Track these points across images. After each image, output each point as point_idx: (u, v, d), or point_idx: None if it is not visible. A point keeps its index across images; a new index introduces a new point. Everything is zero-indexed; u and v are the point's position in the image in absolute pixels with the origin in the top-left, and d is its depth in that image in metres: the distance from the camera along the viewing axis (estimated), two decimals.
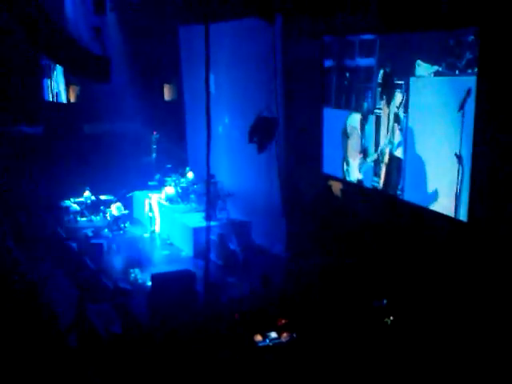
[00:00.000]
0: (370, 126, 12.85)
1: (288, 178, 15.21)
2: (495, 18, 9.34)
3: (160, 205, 18.47)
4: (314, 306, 10.99)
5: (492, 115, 9.61)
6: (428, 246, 11.16)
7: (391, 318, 10.54)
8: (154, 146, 20.75)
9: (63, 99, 20.37)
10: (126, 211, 18.95)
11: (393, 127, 12.17)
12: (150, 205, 18.76)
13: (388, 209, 12.51)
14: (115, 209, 18.43)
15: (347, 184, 13.96)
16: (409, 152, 11.78)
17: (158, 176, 19.45)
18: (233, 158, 18.23)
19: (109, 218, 18.48)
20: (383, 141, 12.52)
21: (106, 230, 18.06)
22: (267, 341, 10.16)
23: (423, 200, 11.45)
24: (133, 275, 14.56)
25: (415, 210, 11.61)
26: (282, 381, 8.91)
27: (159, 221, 18.47)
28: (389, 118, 12.25)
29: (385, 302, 11.04)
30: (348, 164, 13.84)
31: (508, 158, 9.39)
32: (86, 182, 19.61)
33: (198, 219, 16.84)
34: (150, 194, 19.06)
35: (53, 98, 20.86)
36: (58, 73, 20.13)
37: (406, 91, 11.61)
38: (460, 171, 10.35)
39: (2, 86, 19.22)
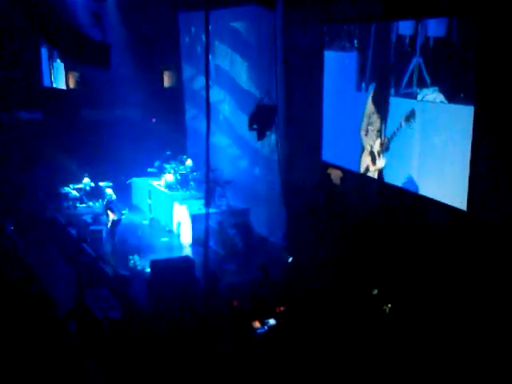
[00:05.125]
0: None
1: (287, 165, 15.19)
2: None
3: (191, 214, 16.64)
4: (312, 294, 11.02)
5: (492, 103, 9.58)
6: (427, 234, 11.17)
7: (389, 305, 10.58)
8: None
9: (62, 85, 20.30)
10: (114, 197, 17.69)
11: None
12: (150, 192, 18.71)
13: (387, 197, 12.50)
14: (112, 213, 16.53)
15: (346, 172, 13.93)
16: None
17: (157, 163, 19.43)
18: (232, 145, 18.20)
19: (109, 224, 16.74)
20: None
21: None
22: (266, 327, 10.18)
23: (425, 188, 11.42)
24: (132, 262, 14.58)
25: (414, 199, 11.60)
26: (280, 367, 8.95)
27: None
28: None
29: (383, 289, 11.07)
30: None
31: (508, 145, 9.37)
32: (85, 169, 19.60)
33: (197, 206, 16.84)
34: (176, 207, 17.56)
35: (52, 83, 20.79)
36: (58, 59, 20.04)
37: None
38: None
39: (1, 72, 19.17)
